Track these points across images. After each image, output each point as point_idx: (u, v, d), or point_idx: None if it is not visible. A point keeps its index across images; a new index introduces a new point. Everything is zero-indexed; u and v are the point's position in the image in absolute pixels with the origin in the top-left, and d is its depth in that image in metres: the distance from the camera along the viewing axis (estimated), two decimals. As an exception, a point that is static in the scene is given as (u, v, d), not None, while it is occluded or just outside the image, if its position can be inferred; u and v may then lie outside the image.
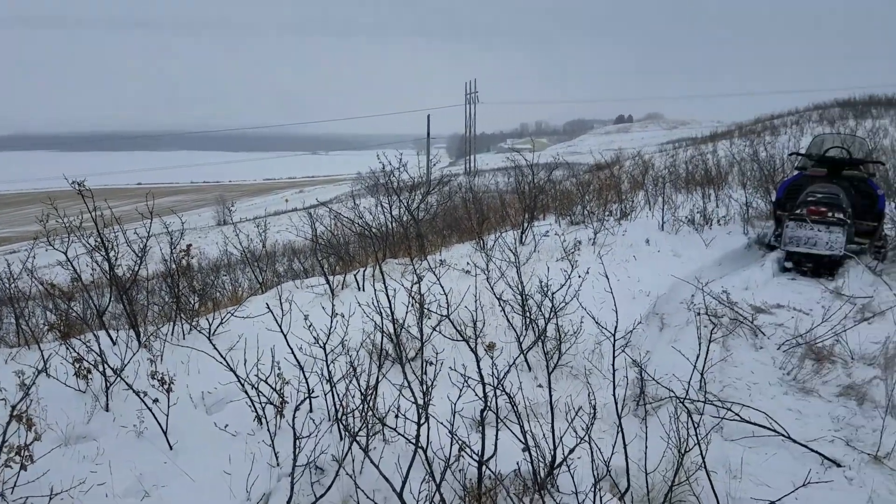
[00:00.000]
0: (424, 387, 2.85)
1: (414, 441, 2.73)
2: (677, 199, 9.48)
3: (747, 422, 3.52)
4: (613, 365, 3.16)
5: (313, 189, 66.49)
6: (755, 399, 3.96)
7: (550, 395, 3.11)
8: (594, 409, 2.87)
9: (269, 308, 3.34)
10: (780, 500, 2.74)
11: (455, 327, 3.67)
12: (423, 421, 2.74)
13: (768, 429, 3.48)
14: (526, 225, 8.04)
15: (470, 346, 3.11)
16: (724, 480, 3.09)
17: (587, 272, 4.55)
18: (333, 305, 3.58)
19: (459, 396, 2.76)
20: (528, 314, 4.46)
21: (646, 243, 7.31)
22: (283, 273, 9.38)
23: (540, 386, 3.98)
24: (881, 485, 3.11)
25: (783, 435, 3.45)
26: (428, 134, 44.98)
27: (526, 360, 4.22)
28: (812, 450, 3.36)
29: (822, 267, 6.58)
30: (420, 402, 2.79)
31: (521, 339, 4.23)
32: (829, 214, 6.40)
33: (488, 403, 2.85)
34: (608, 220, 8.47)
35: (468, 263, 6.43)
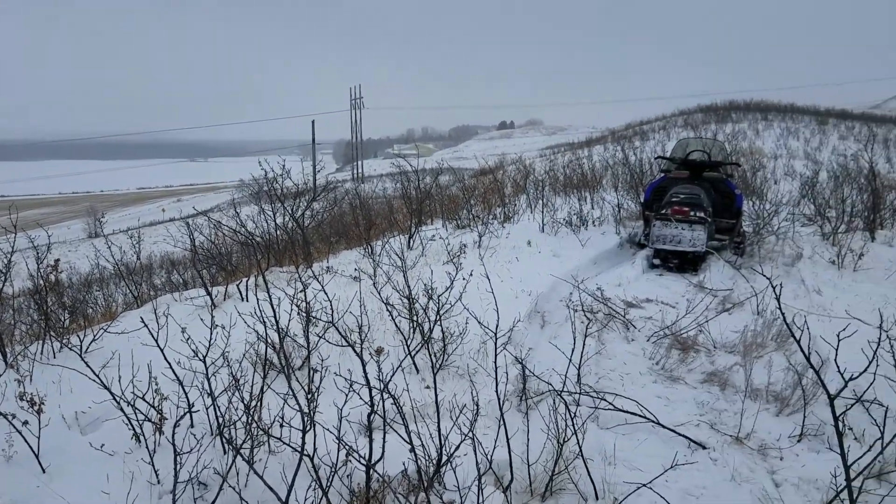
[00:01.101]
0: (310, 394, 2.83)
1: (299, 449, 2.70)
2: (556, 202, 9.88)
3: (620, 410, 3.72)
4: (496, 363, 3.27)
5: (192, 198, 63.72)
6: (627, 388, 4.19)
7: (436, 395, 3.16)
8: (477, 405, 2.95)
9: (143, 322, 3.19)
10: (650, 482, 2.90)
11: (341, 333, 3.66)
12: (308, 428, 2.72)
13: (639, 416, 3.69)
14: (413, 230, 8.11)
15: (355, 351, 3.11)
16: (600, 467, 3.24)
17: (471, 274, 4.67)
18: (213, 317, 3.47)
19: (346, 402, 2.77)
20: (414, 318, 4.51)
21: (527, 245, 7.56)
22: (160, 286, 8.94)
23: (427, 387, 4.03)
24: (742, 464, 3.37)
25: (653, 421, 3.66)
26: (313, 140, 44.16)
27: (413, 363, 4.26)
28: (679, 434, 3.59)
29: (686, 263, 7.07)
30: (305, 409, 2.76)
31: (408, 343, 4.28)
32: (692, 214, 6.87)
33: (375, 407, 2.87)
34: (492, 224, 8.69)
35: (356, 269, 6.41)
